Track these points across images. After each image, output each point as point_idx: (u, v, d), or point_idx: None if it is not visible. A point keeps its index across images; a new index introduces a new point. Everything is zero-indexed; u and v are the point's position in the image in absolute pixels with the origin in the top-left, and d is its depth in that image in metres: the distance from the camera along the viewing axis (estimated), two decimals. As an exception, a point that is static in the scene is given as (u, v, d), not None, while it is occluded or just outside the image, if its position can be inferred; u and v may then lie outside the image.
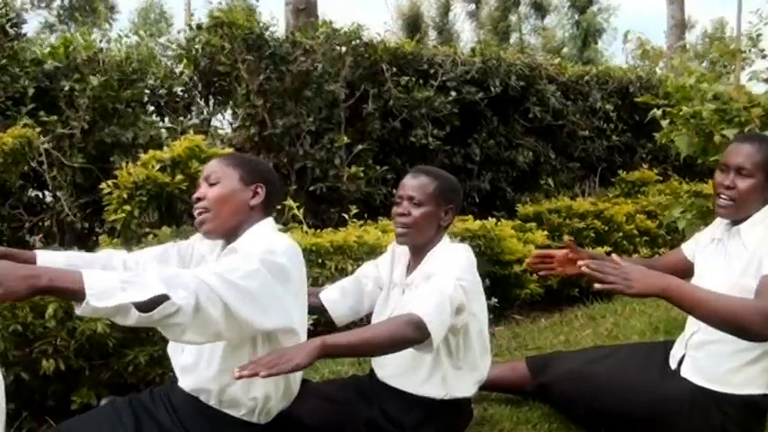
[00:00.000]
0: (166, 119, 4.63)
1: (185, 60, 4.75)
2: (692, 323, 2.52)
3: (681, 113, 3.39)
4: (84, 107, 3.73)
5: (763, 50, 3.76)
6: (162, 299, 1.53)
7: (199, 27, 4.12)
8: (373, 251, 3.78)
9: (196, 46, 4.37)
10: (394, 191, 5.17)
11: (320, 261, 3.62)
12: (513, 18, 29.77)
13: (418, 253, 2.32)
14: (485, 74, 4.88)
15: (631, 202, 5.80)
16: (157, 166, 3.48)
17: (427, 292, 2.05)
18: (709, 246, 2.49)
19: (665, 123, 3.40)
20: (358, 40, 4.33)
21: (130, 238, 3.51)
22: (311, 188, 4.38)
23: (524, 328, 4.41)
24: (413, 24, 28.38)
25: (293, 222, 4.14)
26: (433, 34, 29.92)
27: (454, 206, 2.32)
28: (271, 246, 1.86)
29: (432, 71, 4.81)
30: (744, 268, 2.26)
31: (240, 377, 1.60)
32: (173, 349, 2.12)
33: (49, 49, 4.14)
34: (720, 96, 3.36)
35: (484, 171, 5.17)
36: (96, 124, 4.05)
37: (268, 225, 2.06)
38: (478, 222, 4.32)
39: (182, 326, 1.60)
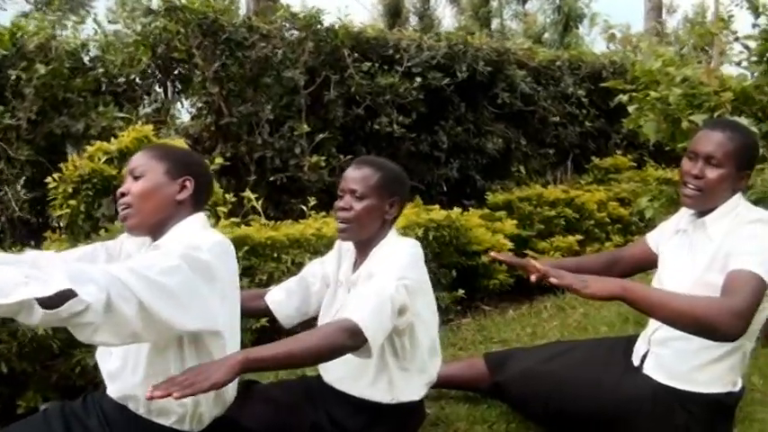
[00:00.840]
0: (125, 108, 4.47)
1: (142, 47, 4.57)
2: (653, 320, 2.44)
3: (648, 98, 3.29)
4: (30, 97, 3.55)
5: (735, 32, 3.64)
6: (69, 295, 1.41)
7: (150, 11, 3.94)
8: (332, 244, 3.61)
9: (155, 32, 4.19)
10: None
11: (276, 255, 3.51)
12: (494, 3, 29.71)
13: (363, 249, 2.21)
14: (451, 59, 4.76)
15: (604, 189, 5.71)
16: (104, 159, 3.32)
17: (365, 293, 1.95)
18: (674, 237, 2.40)
19: (631, 109, 3.30)
20: (318, 25, 4.16)
21: (77, 233, 3.37)
22: (271, 178, 4.24)
23: (491, 319, 4.34)
24: (394, 10, 28.21)
25: (253, 215, 4.01)
26: (414, 20, 29.78)
27: (399, 198, 2.21)
28: (195, 241, 1.76)
29: (397, 56, 4.67)
30: (708, 263, 2.18)
31: (152, 398, 1.52)
32: (101, 355, 2.02)
33: (-7, 36, 3.95)
34: (689, 81, 3.24)
35: (452, 159, 5.06)
36: (46, 115, 3.89)
37: (197, 221, 1.95)
38: (443, 212, 4.22)
39: (93, 325, 1.48)
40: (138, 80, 4.71)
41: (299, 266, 3.54)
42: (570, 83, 5.79)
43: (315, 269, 2.42)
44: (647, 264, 2.61)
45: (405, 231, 3.95)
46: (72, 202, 3.31)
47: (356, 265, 2.23)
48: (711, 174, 2.19)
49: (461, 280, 4.48)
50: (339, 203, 2.18)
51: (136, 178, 1.90)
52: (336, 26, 4.27)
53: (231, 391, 2.00)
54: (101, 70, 4.11)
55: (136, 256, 1.95)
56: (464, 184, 5.42)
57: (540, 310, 4.48)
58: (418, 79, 4.51)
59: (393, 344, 2.12)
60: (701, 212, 2.27)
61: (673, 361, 2.27)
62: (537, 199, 5.22)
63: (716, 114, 3.10)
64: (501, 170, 5.62)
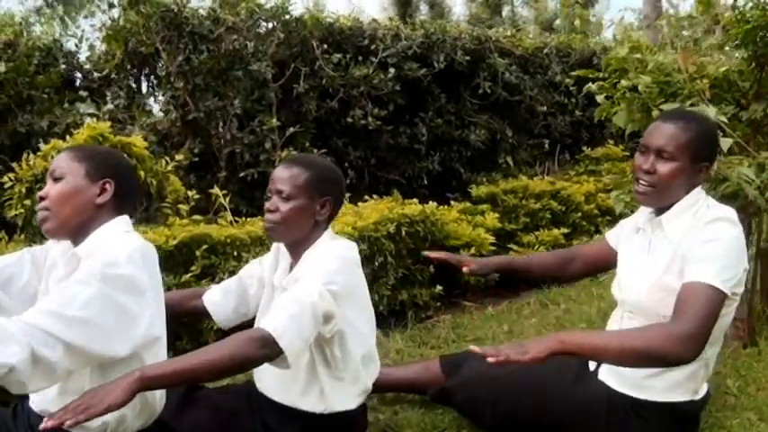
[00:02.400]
0: (95, 104, 4.39)
1: (114, 42, 4.50)
2: (612, 321, 2.35)
3: (619, 87, 3.15)
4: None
5: (716, 15, 3.50)
6: None
7: (111, 5, 3.86)
8: (297, 241, 3.57)
9: (122, 26, 4.11)
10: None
11: (236, 254, 3.43)
12: (505, -9, 29.60)
13: (295, 251, 2.13)
14: (428, 49, 4.63)
15: (594, 180, 5.58)
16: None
17: (285, 300, 1.88)
18: (634, 236, 2.29)
19: (600, 98, 3.16)
20: (286, 16, 4.05)
21: (33, 233, 3.31)
22: (242, 174, 4.15)
23: (469, 316, 4.25)
24: (404, 0, 28.14)
25: (224, 212, 3.93)
26: (425, 9, 29.75)
27: (332, 198, 2.12)
28: (112, 257, 1.70)
29: (372, 47, 4.55)
30: (666, 265, 2.08)
31: (45, 429, 1.48)
32: None
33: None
34: (662, 67, 3.10)
35: (432, 151, 4.95)
36: (10, 113, 3.82)
37: (118, 225, 1.89)
38: (418, 206, 4.11)
39: (22, 381, 1.49)
40: (113, 75, 4.65)
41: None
42: (558, 71, 5.65)
43: (252, 270, 2.37)
44: (605, 263, 2.52)
45: (376, 227, 3.87)
46: (27, 201, 3.25)
47: (291, 267, 2.14)
48: (663, 168, 2.08)
49: (441, 276, 4.38)
50: (266, 204, 2.09)
51: (55, 180, 1.85)
52: (305, 17, 4.15)
53: (159, 400, 1.95)
54: (60, 66, 3.99)
55: (60, 264, 1.88)
56: (448, 177, 5.32)
57: (522, 307, 4.38)
58: (392, 70, 4.39)
59: (323, 352, 2.05)
60: (659, 210, 2.15)
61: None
62: (522, 191, 5.11)
63: (689, 103, 2.95)
64: (487, 162, 5.50)
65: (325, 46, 4.25)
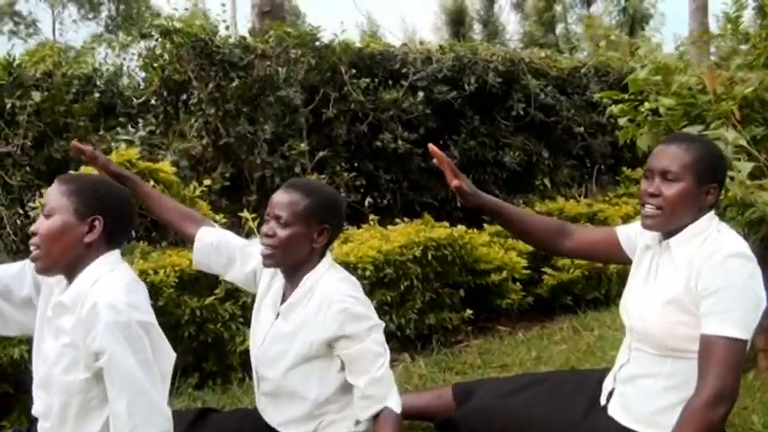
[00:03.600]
0: (131, 130, 4.55)
1: (152, 69, 4.65)
2: (623, 352, 2.27)
3: (641, 109, 3.09)
4: (24, 124, 3.64)
5: (747, 34, 3.40)
6: None
7: (143, 36, 4.00)
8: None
9: (155, 55, 4.25)
10: (369, 199, 5.05)
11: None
12: (558, 8, 29.41)
13: (291, 276, 2.15)
14: (459, 71, 4.63)
15: (633, 202, 5.44)
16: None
17: (377, 375, 2.01)
18: (645, 254, 2.20)
19: (622, 121, 3.10)
20: (316, 43, 4.12)
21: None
22: (273, 198, 4.21)
23: (499, 341, 4.20)
24: (457, 19, 28.20)
25: (253, 236, 4.00)
26: (478, 28, 29.75)
27: (330, 226, 2.12)
28: (121, 310, 1.74)
29: (403, 71, 4.58)
30: (676, 295, 2.00)
31: None
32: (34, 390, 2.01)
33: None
34: (686, 88, 3.02)
35: (465, 173, 4.88)
36: (46, 140, 3.99)
37: (105, 263, 1.87)
38: (445, 229, 4.11)
39: None
40: (151, 102, 4.81)
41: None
42: (597, 91, 5.55)
43: (256, 254, 2.29)
44: (602, 254, 2.45)
45: (402, 250, 3.88)
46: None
47: (285, 290, 2.16)
48: (669, 190, 2.02)
49: (469, 299, 4.35)
50: (263, 228, 2.11)
51: (46, 216, 1.85)
52: (334, 43, 4.22)
53: None
54: (94, 95, 4.15)
55: (56, 291, 1.92)
56: (483, 200, 5.26)
57: (554, 332, 4.30)
58: (421, 93, 4.40)
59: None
60: (667, 233, 2.09)
61: (637, 401, 2.11)
62: (558, 214, 5.03)
63: (712, 125, 2.87)
64: (524, 184, 5.45)
65: (354, 71, 4.29)
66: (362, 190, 4.96)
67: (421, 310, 4.04)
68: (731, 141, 2.51)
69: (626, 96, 3.29)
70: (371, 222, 4.24)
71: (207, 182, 3.66)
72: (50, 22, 28.38)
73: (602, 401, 2.22)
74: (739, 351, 1.86)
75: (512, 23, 29.23)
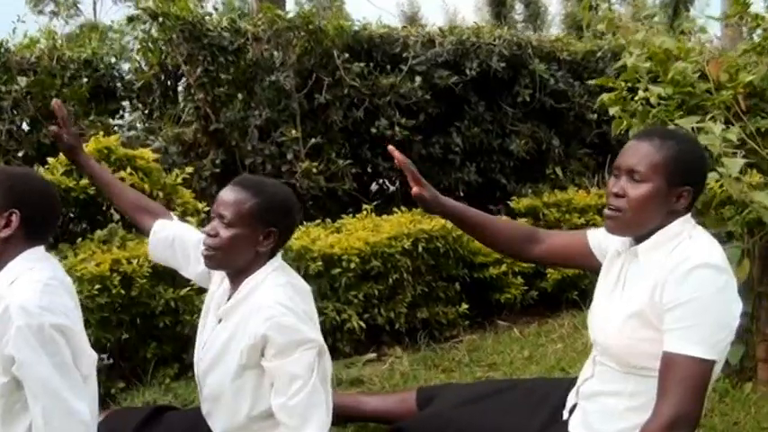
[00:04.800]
0: (126, 116, 4.50)
1: (150, 54, 4.57)
2: (588, 366, 2.10)
3: (636, 99, 2.89)
4: (8, 110, 3.59)
5: (757, 17, 3.15)
6: None
7: (131, 19, 3.91)
8: (301, 258, 3.50)
9: (147, 40, 4.17)
10: (375, 186, 4.92)
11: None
12: (601, -13, 28.59)
13: (234, 280, 2.04)
14: (462, 55, 4.44)
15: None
16: (62, 171, 3.31)
17: (289, 403, 1.85)
18: (614, 260, 2.02)
19: (613, 110, 2.91)
20: (310, 26, 3.98)
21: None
22: (264, 185, 4.11)
23: (494, 338, 4.04)
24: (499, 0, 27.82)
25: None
26: (519, 8, 29.33)
27: (278, 230, 1.97)
28: (33, 313, 1.67)
29: (404, 54, 4.42)
30: (638, 308, 1.82)
31: None
32: None
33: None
34: (683, 76, 2.81)
35: (468, 162, 4.74)
36: (37, 124, 3.95)
37: (25, 260, 1.80)
38: (438, 221, 3.93)
39: None
40: (147, 86, 4.73)
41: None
42: (614, 76, 5.29)
43: None
44: (573, 260, 2.28)
45: (390, 242, 3.75)
46: (34, 213, 3.31)
47: (230, 294, 2.05)
48: (634, 191, 1.83)
49: (466, 294, 4.20)
50: (206, 227, 1.99)
51: None
52: (328, 26, 4.07)
53: None
54: (79, 80, 4.09)
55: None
56: (490, 188, 5.10)
57: (553, 329, 4.14)
58: (418, 78, 4.23)
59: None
60: (637, 239, 1.91)
61: (598, 419, 1.96)
62: (566, 205, 4.82)
63: (709, 117, 2.66)
64: (534, 173, 5.25)
65: (347, 55, 4.15)
66: (365, 178, 4.84)
67: (412, 304, 3.92)
68: (719, 135, 2.29)
69: (622, 84, 3.09)
70: (365, 212, 4.11)
71: (189, 169, 3.56)
72: (91, 2, 28.66)
73: (565, 416, 2.07)
74: (703, 373, 1.69)
75: (554, 4, 28.58)
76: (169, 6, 3.72)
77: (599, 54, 5.37)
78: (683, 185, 1.83)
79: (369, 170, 4.73)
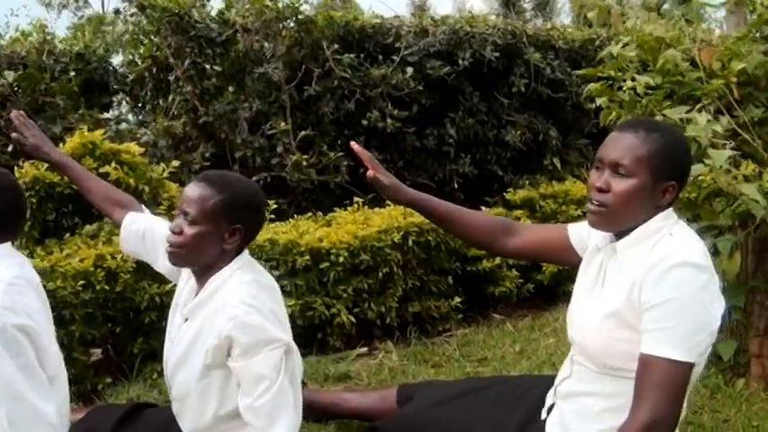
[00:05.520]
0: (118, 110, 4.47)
1: (142, 46, 4.53)
2: (566, 365, 2.04)
3: (624, 90, 2.82)
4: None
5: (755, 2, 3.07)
6: None
7: (117, 11, 3.88)
8: (288, 252, 3.46)
9: (136, 31, 4.13)
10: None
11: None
12: (611, -24, 28.37)
13: (200, 277, 2.00)
14: (455, 45, 4.37)
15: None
16: (46, 165, 3.27)
17: (255, 404, 1.81)
18: (594, 255, 1.96)
19: (600, 101, 2.84)
20: (297, 16, 3.92)
21: (27, 240, 3.36)
22: (254, 178, 4.07)
23: (487, 332, 4.00)
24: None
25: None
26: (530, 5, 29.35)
27: (243, 226, 1.92)
28: None
29: (396, 45, 4.35)
30: (616, 308, 1.76)
31: None
32: None
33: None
34: (672, 64, 2.74)
35: (463, 153, 4.67)
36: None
37: None
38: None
39: None
40: (146, 78, 4.69)
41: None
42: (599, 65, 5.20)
43: None
44: (551, 254, 2.22)
45: (379, 236, 3.69)
46: (19, 209, 3.29)
47: (198, 291, 2.00)
48: (618, 186, 1.76)
49: (459, 287, 4.16)
50: (170, 224, 1.95)
51: None
52: (317, 16, 4.01)
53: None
54: (66, 74, 4.05)
55: None
56: (486, 180, 5.03)
57: (547, 323, 4.10)
58: (410, 69, 4.17)
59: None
60: (618, 234, 1.84)
61: (575, 420, 1.91)
62: (563, 196, 4.75)
63: (698, 106, 2.59)
64: (532, 164, 5.18)
65: (336, 46, 4.08)
66: (362, 170, 4.76)
67: (403, 298, 3.88)
68: (704, 126, 2.22)
69: (611, 73, 3.01)
70: (356, 205, 4.06)
71: (175, 163, 3.52)
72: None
73: (543, 415, 2.02)
74: (680, 375, 1.64)
75: (564, -6, 28.44)
76: (156, -2, 3.67)
77: (597, 43, 5.28)
78: (669, 180, 1.77)
79: (352, 163, 4.67)
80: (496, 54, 4.42)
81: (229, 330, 1.80)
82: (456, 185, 4.74)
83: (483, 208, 4.63)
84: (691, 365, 1.66)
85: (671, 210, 1.82)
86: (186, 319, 1.99)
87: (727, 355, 2.83)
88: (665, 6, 3.94)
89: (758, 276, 2.88)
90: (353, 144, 2.13)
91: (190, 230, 1.88)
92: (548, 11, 29.55)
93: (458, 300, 4.05)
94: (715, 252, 2.70)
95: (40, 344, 1.75)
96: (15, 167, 3.36)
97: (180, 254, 1.92)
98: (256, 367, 1.80)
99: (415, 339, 3.84)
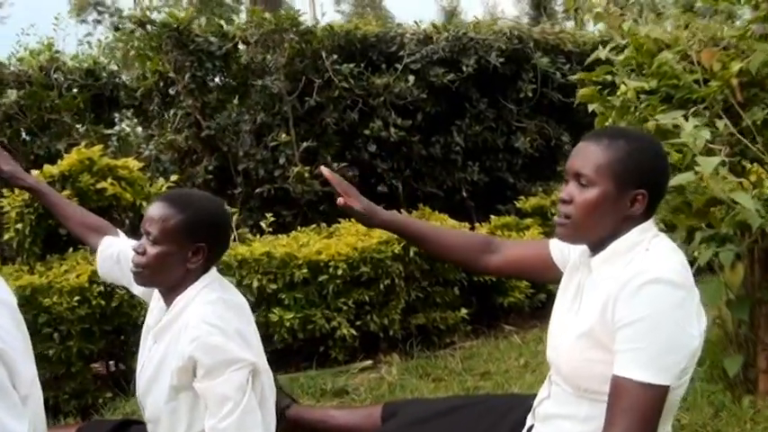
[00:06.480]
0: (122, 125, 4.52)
1: (149, 61, 4.56)
2: (545, 387, 1.96)
3: (619, 95, 2.74)
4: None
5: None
6: None
7: (117, 29, 3.91)
8: (286, 266, 3.44)
9: (139, 46, 4.17)
10: (382, 188, 4.80)
11: (220, 277, 3.32)
12: (642, -26, 28.06)
13: (166, 297, 1.99)
14: (458, 52, 4.31)
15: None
16: (45, 182, 3.30)
17: (219, 426, 1.77)
18: (574, 271, 1.88)
19: (593, 106, 2.76)
20: (295, 28, 3.91)
21: (29, 256, 3.40)
22: (258, 190, 4.07)
23: (494, 344, 3.94)
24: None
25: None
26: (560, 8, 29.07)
27: (207, 245, 1.89)
28: None
29: (400, 53, 4.32)
30: (589, 327, 1.68)
31: None
32: None
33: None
34: (667, 67, 2.65)
35: (471, 161, 4.60)
36: (32, 136, 3.98)
37: None
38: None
39: None
40: (156, 93, 4.73)
41: (246, 288, 3.37)
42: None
43: None
44: (533, 271, 2.10)
45: (379, 248, 3.66)
46: (18, 226, 3.34)
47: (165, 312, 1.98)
48: (581, 196, 1.67)
49: (466, 297, 4.10)
50: (134, 244, 1.94)
51: None
52: (317, 27, 3.99)
53: None
54: (70, 90, 4.10)
55: None
56: (498, 188, 4.95)
57: (554, 335, 3.96)
58: (412, 77, 4.13)
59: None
60: (593, 248, 1.77)
61: None
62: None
63: (691, 110, 2.49)
64: (544, 170, 5.09)
65: (336, 56, 4.06)
66: (372, 180, 4.74)
67: (406, 310, 3.83)
68: (691, 132, 2.13)
69: (607, 78, 2.93)
70: (359, 216, 4.02)
71: (174, 177, 3.53)
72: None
73: (524, 429, 1.96)
74: (653, 399, 1.53)
75: (596, -3, 28.14)
76: (151, 14, 3.69)
77: (610, 45, 5.15)
78: (637, 188, 1.68)
79: (377, 172, 4.64)
80: (502, 60, 4.35)
81: (192, 351, 1.78)
82: (465, 194, 4.67)
83: (493, 217, 4.58)
84: (664, 388, 1.56)
85: (649, 222, 1.73)
86: (155, 341, 1.97)
87: (732, 370, 2.72)
88: (698, 4, 3.81)
89: (764, 288, 2.76)
90: (322, 168, 2.08)
91: (152, 250, 1.86)
92: (579, 13, 29.18)
93: (465, 311, 3.99)
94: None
95: (11, 364, 1.75)
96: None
97: (144, 274, 1.90)
98: (220, 388, 1.77)
99: (420, 352, 3.79)
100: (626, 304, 1.60)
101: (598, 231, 1.70)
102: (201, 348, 1.78)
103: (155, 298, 2.09)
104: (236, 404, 1.76)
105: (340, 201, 2.03)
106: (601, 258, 1.71)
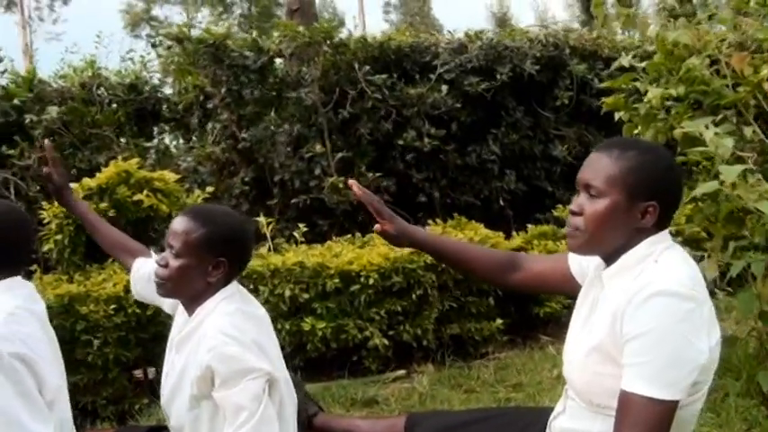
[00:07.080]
0: (165, 138, 4.66)
1: (189, 76, 4.70)
2: (561, 402, 1.95)
3: (647, 100, 2.71)
4: (40, 138, 3.79)
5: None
6: None
7: (154, 45, 4.04)
8: (318, 275, 3.49)
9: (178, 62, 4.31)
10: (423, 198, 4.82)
11: (252, 286, 3.40)
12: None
13: (188, 309, 2.04)
14: (493, 61, 4.31)
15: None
16: (83, 194, 3.44)
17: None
18: (591, 285, 1.88)
19: (619, 114, 2.73)
20: (331, 40, 3.98)
21: (68, 266, 3.53)
22: (293, 200, 4.14)
23: (528, 355, 3.89)
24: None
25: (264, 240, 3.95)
26: (611, 2, 28.46)
27: (227, 260, 1.94)
28: None
29: (434, 63, 4.34)
30: (599, 341, 1.66)
31: None
32: None
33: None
34: (695, 74, 2.61)
35: (508, 170, 4.59)
36: (73, 151, 4.14)
37: None
38: (465, 235, 3.83)
39: None
40: (196, 106, 4.87)
41: (278, 298, 3.44)
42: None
43: None
44: (554, 285, 2.08)
45: (411, 258, 3.68)
46: (58, 237, 3.47)
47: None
48: (591, 207, 1.66)
49: (501, 307, 4.07)
50: (157, 257, 2.01)
51: None
52: (350, 39, 4.05)
53: None
54: (110, 105, 4.25)
55: None
56: (536, 196, 4.92)
57: (591, 346, 3.91)
58: (445, 87, 4.15)
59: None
60: (606, 260, 1.76)
61: None
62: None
63: (720, 116, 2.45)
64: (585, 178, 4.99)
65: (368, 67, 4.11)
66: (410, 191, 4.77)
67: (440, 319, 3.84)
68: (712, 140, 2.10)
69: (637, 85, 2.89)
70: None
71: (210, 188, 3.63)
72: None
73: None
74: (660, 414, 1.51)
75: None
76: (188, 30, 3.81)
77: (651, 49, 5.09)
78: (648, 200, 1.66)
79: (413, 182, 4.67)
80: (537, 67, 4.33)
81: (209, 361, 1.83)
82: (503, 202, 4.66)
83: (530, 226, 4.55)
84: (672, 403, 1.54)
85: (662, 234, 1.71)
86: (177, 351, 2.04)
87: (767, 384, 2.64)
88: (751, 4, 3.73)
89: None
90: (351, 183, 2.10)
91: (174, 263, 1.92)
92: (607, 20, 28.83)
93: (500, 321, 3.98)
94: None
95: (38, 371, 1.82)
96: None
97: (166, 286, 1.96)
98: (235, 398, 1.82)
99: (454, 362, 3.79)
100: (632, 317, 1.57)
101: (609, 243, 1.68)
102: (218, 358, 1.82)
103: (178, 311, 2.16)
104: (251, 413, 1.79)
105: (377, 227, 2.06)
106: (611, 272, 1.69)
